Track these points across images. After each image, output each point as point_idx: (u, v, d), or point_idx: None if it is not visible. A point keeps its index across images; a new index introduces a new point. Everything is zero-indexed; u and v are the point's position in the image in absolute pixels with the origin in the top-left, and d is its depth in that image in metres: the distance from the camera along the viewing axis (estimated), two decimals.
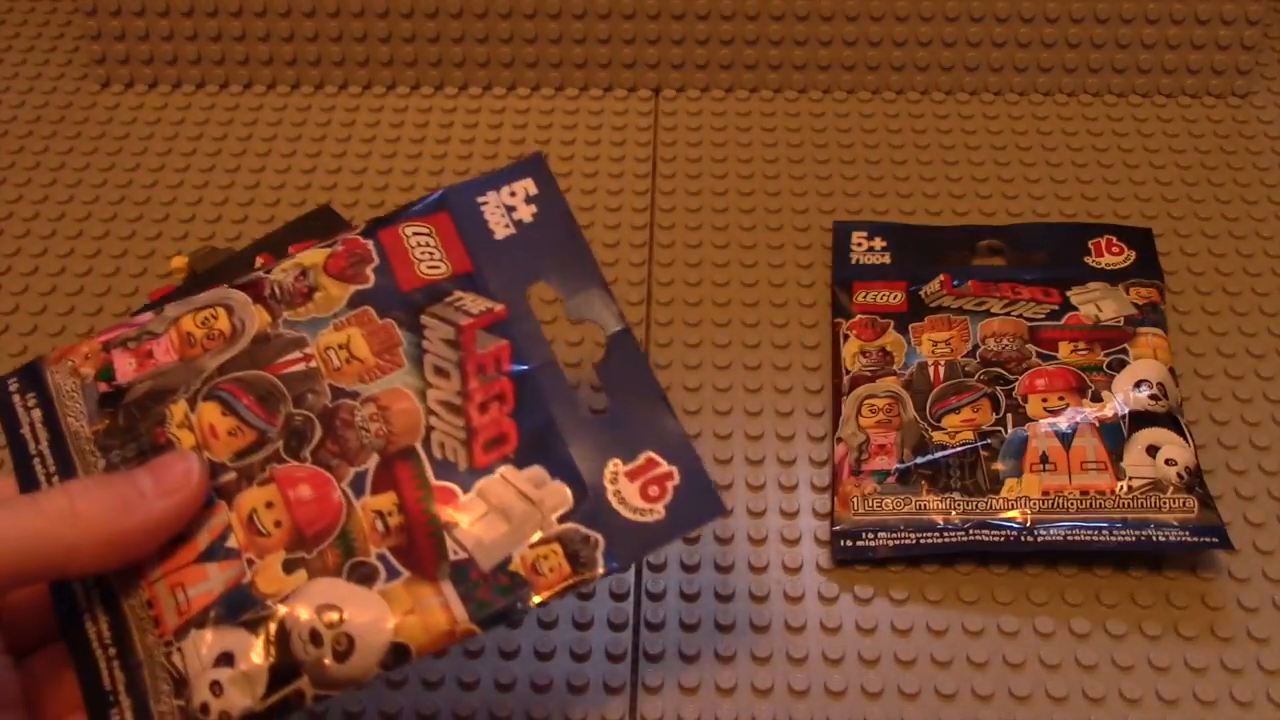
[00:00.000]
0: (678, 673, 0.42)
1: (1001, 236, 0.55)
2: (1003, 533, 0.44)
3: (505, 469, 0.35)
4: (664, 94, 0.63)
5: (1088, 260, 0.52)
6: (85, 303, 0.54)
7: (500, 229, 0.39)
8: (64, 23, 0.68)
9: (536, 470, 0.35)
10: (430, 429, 0.35)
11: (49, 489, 0.35)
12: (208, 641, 0.33)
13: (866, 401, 0.48)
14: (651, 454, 0.36)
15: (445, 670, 0.42)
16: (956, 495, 0.45)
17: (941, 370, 0.48)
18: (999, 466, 0.45)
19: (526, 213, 0.39)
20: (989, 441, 0.46)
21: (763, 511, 0.46)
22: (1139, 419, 0.46)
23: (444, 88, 0.63)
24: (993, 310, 0.50)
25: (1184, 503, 0.44)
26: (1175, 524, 0.43)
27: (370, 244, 0.38)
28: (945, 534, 0.44)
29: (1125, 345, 0.48)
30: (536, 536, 0.34)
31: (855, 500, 0.45)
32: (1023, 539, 0.44)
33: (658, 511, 0.35)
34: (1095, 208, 0.57)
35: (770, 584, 0.44)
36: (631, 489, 0.35)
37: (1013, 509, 0.44)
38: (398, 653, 0.33)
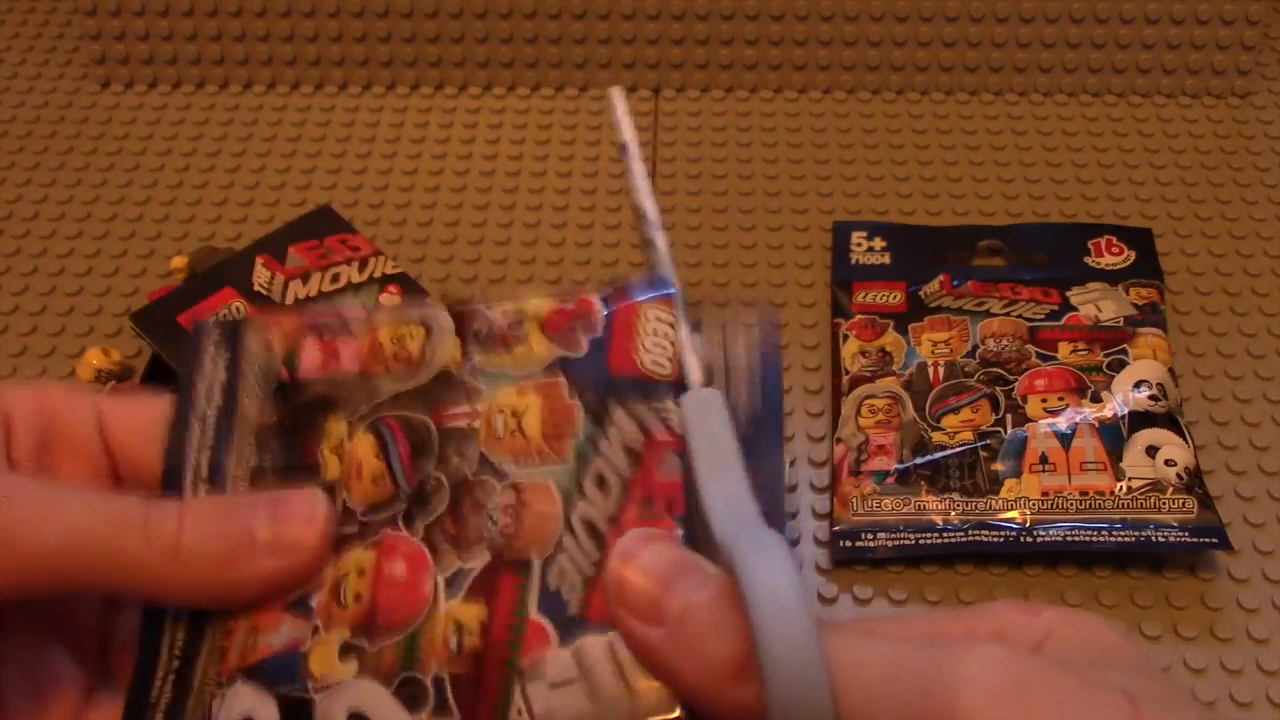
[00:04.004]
0: None
1: (1001, 236, 0.55)
2: (1002, 533, 0.44)
3: (617, 635, 0.28)
4: (664, 94, 0.63)
5: (1088, 260, 0.52)
6: (85, 303, 0.54)
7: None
8: (64, 23, 0.68)
9: None
10: (559, 548, 0.30)
11: (164, 503, 0.32)
12: (242, 696, 0.30)
13: (866, 402, 0.48)
14: None
15: None
16: (956, 496, 0.45)
17: (941, 370, 0.48)
18: (998, 467, 0.45)
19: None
20: (988, 442, 0.46)
21: None
22: (1139, 419, 0.46)
23: (444, 88, 0.63)
24: (992, 310, 0.50)
25: (1183, 503, 0.44)
26: (1175, 525, 0.43)
27: (603, 311, 0.33)
28: (944, 534, 0.44)
29: (1125, 345, 0.48)
30: None
31: (855, 501, 0.45)
32: (1022, 539, 0.44)
33: None
34: (1095, 208, 0.57)
35: None
36: None
37: (1012, 509, 0.44)
38: None
